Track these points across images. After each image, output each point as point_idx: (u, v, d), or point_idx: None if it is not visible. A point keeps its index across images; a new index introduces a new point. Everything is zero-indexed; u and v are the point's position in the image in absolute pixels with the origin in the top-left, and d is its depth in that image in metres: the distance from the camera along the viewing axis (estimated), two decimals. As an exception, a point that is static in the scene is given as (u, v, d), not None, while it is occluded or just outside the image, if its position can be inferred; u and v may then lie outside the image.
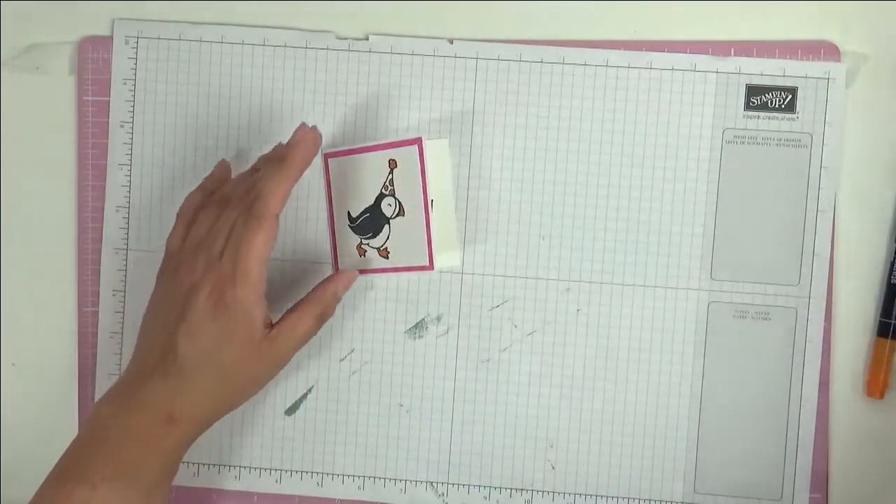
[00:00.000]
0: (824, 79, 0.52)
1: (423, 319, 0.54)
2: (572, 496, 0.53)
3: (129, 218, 0.54)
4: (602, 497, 0.53)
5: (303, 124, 0.49)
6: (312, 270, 0.53)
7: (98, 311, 0.54)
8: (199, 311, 0.45)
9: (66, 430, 0.54)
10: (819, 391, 0.53)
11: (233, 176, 0.52)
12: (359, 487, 0.54)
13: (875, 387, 0.52)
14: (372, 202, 0.51)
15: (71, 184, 0.54)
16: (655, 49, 0.52)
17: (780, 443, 0.53)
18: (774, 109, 0.52)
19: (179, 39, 0.54)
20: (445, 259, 0.53)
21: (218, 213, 0.47)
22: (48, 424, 0.55)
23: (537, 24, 0.53)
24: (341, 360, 0.54)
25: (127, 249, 0.54)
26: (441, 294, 0.53)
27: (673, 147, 0.52)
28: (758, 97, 0.52)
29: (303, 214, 0.53)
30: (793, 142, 0.52)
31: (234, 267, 0.45)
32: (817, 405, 0.53)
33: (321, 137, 0.50)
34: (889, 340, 0.52)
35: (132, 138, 0.54)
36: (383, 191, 0.51)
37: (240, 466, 0.54)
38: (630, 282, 0.53)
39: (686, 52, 0.52)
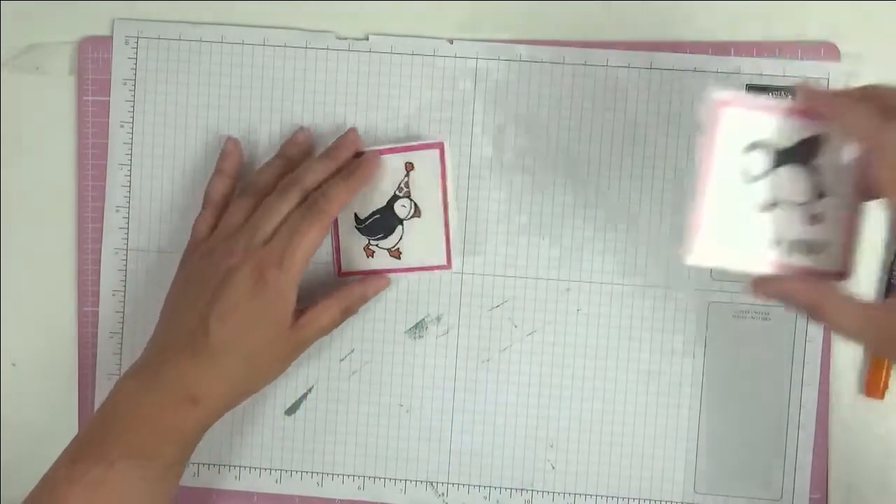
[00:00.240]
0: (824, 79, 0.52)
1: (423, 319, 0.54)
2: (572, 496, 0.53)
3: (129, 218, 0.54)
4: (602, 497, 0.53)
5: (376, 153, 0.50)
6: (312, 271, 0.53)
7: (98, 311, 0.54)
8: (237, 291, 0.46)
9: (66, 430, 0.54)
10: (819, 391, 0.52)
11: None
12: (359, 487, 0.54)
13: (875, 387, 0.52)
14: (384, 204, 0.51)
15: (71, 184, 0.54)
16: (655, 49, 0.52)
17: (779, 443, 0.53)
18: (774, 109, 0.52)
19: (179, 39, 0.54)
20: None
21: (254, 202, 0.49)
22: (48, 424, 0.55)
23: (538, 24, 0.53)
24: (341, 360, 0.54)
25: (127, 249, 0.54)
26: (441, 294, 0.53)
27: (673, 145, 0.52)
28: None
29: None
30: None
31: (282, 251, 0.46)
32: (817, 405, 0.53)
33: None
34: (889, 340, 0.52)
35: (132, 138, 0.54)
36: (397, 192, 0.51)
37: (240, 466, 0.54)
38: (630, 282, 0.53)
39: (686, 52, 0.52)
